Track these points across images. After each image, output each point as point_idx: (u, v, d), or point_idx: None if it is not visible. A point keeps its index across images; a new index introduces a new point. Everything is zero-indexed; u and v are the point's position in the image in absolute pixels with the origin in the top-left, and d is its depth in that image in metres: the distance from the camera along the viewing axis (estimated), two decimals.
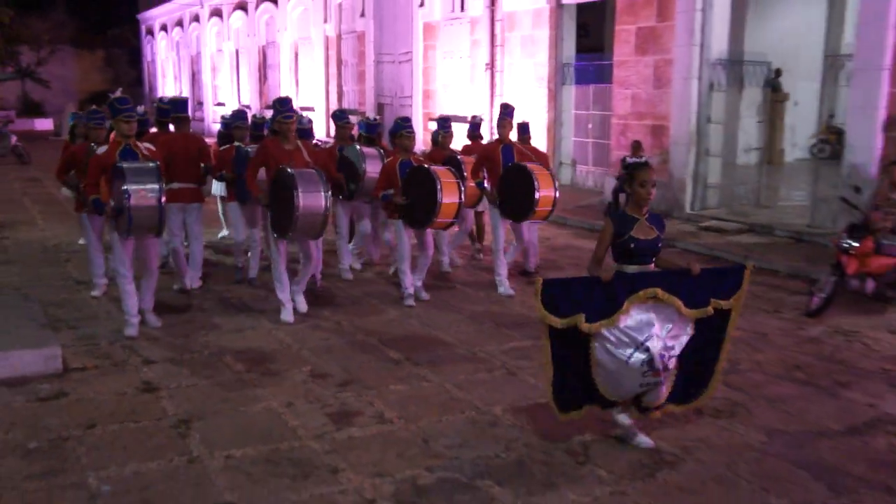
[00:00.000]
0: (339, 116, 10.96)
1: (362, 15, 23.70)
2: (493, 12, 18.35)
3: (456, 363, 7.21)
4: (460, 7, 19.96)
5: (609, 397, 5.35)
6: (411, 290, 9.01)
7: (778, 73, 17.81)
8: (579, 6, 17.11)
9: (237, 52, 33.18)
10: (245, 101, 31.15)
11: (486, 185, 9.67)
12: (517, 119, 10.26)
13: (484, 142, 11.66)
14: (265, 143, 8.52)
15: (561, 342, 5.20)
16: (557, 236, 13.19)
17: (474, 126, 11.71)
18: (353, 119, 11.87)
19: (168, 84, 41.82)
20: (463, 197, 8.67)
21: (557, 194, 9.29)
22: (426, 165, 8.75)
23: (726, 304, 5.30)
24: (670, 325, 5.20)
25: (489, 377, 6.90)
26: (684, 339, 5.27)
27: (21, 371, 6.65)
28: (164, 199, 7.34)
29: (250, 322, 8.39)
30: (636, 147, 14.39)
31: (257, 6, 30.48)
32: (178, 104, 9.79)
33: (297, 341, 7.77)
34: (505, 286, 9.52)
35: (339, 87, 25.65)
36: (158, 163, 7.55)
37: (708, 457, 5.46)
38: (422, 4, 20.90)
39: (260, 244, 10.02)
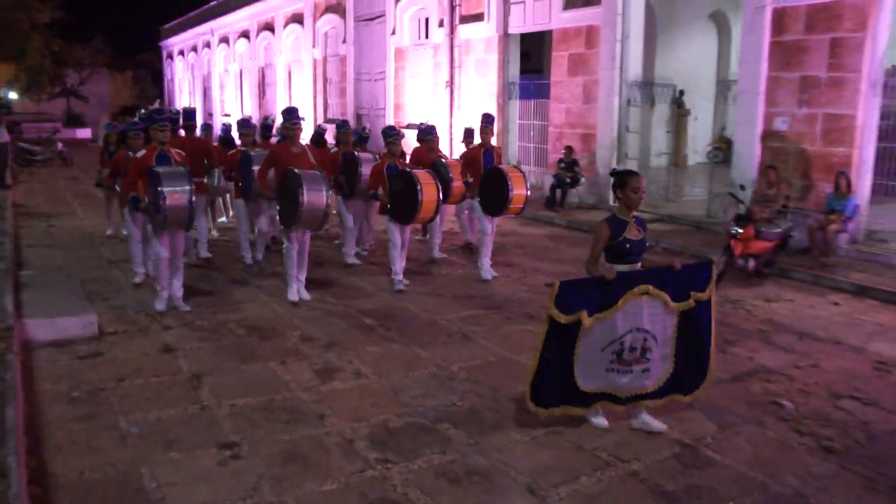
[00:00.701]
0: (342, 125, 10.62)
1: (344, 41, 23.50)
2: (452, 40, 18.26)
3: (420, 329, 7.21)
4: (425, 35, 19.84)
5: (580, 387, 4.87)
6: (401, 276, 8.57)
7: (682, 93, 17.91)
8: (523, 36, 17.07)
9: (241, 72, 32.76)
10: (247, 113, 30.77)
11: (469, 182, 9.35)
12: (469, 123, 10.15)
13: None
14: (275, 147, 8.33)
15: (556, 335, 4.79)
16: (504, 223, 13.19)
17: (468, 134, 10.97)
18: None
19: (184, 98, 41.22)
20: (440, 195, 8.23)
21: (528, 193, 8.96)
22: (408, 169, 8.37)
23: (703, 295, 4.92)
24: (656, 317, 4.82)
25: (448, 340, 6.90)
26: (669, 331, 4.88)
27: (65, 334, 6.63)
28: (193, 198, 7.13)
29: (250, 296, 8.32)
30: (569, 151, 14.46)
31: (258, 34, 30.14)
32: (188, 114, 9.98)
33: (288, 311, 7.71)
34: (485, 270, 9.12)
35: (325, 100, 25.42)
36: (187, 167, 7.41)
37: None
38: (393, 33, 20.75)
39: (267, 232, 9.69)
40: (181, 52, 42.07)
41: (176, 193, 6.98)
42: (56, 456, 4.54)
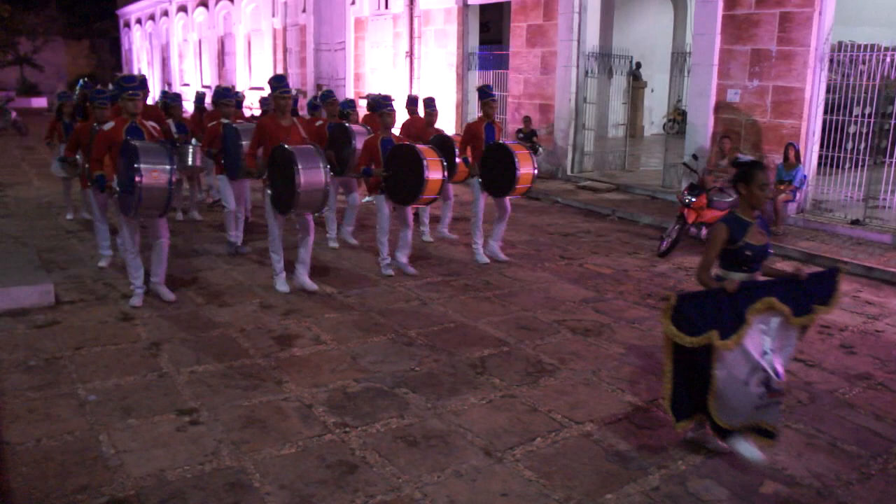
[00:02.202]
0: (327, 95, 9.67)
1: (304, 11, 23.06)
2: (411, 10, 18.02)
3: (378, 296, 7.18)
4: (385, 5, 19.55)
5: (720, 423, 4.05)
6: (388, 260, 7.84)
7: (638, 65, 18.03)
8: (482, 6, 16.93)
9: (200, 41, 32.02)
10: (206, 83, 30.15)
11: (469, 160, 8.48)
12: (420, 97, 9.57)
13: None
14: (262, 120, 7.25)
15: (683, 362, 4.06)
16: (462, 192, 13.18)
17: (412, 101, 10.56)
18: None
19: (143, 68, 40.21)
20: (446, 173, 7.42)
21: (536, 171, 8.09)
22: (411, 143, 7.56)
23: (826, 309, 4.10)
24: (779, 337, 4.00)
25: (406, 307, 6.89)
26: (789, 350, 4.08)
27: (21, 303, 6.48)
28: (174, 178, 6.19)
29: (209, 263, 8.19)
30: (527, 121, 14.45)
31: (217, 3, 29.40)
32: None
33: (248, 279, 7.62)
34: (480, 254, 8.45)
35: (285, 70, 24.93)
36: (168, 142, 6.62)
37: (579, 366, 5.58)
38: (353, 2, 20.40)
39: (243, 216, 8.87)
40: (139, 21, 40.94)
41: (154, 171, 6.04)
42: (13, 424, 4.44)
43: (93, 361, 5.41)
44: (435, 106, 9.39)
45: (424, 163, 7.15)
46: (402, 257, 7.94)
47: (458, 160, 8.51)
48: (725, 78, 11.17)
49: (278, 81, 7.02)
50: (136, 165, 5.99)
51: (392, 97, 7.89)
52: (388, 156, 7.47)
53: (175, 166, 6.20)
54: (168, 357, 5.52)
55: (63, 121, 9.89)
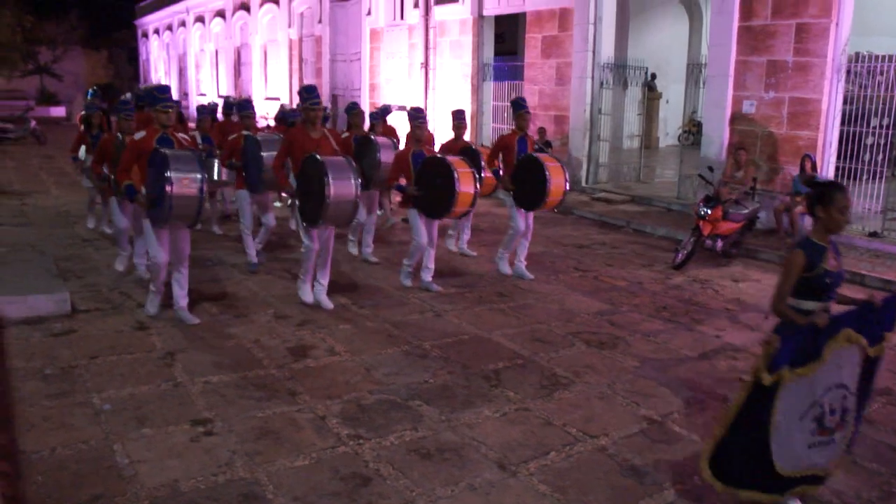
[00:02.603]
0: (352, 107, 9.46)
1: (320, 21, 23.21)
2: (427, 21, 18.10)
3: (392, 307, 7.17)
4: (400, 16, 19.65)
5: (779, 470, 3.65)
6: (410, 270, 7.75)
7: (653, 76, 17.99)
8: (497, 17, 16.98)
9: (216, 51, 32.31)
10: (223, 93, 30.37)
11: (500, 172, 8.35)
12: (450, 109, 9.38)
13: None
14: (291, 131, 7.01)
15: (754, 400, 3.68)
16: (480, 205, 13.17)
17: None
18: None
19: (160, 78, 40.61)
20: (479, 186, 7.32)
21: (567, 185, 7.93)
22: (441, 156, 7.38)
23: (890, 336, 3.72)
24: (854, 367, 3.66)
25: (420, 318, 6.87)
26: (855, 382, 3.70)
27: (37, 312, 6.49)
28: (205, 188, 6.02)
29: (224, 274, 8.22)
30: (542, 132, 14.43)
31: (233, 13, 29.68)
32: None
33: (263, 289, 7.63)
34: (504, 264, 8.34)
35: (301, 81, 25.10)
36: (199, 152, 6.44)
37: (594, 379, 5.54)
38: (369, 13, 20.52)
39: (272, 229, 8.69)
40: (156, 31, 41.40)
41: (184, 180, 5.86)
42: (28, 433, 4.45)
43: (108, 370, 5.43)
44: (464, 118, 9.16)
45: (455, 175, 7.03)
46: (427, 275, 7.73)
47: (485, 174, 8.35)
48: (741, 89, 11.12)
49: (309, 92, 6.84)
50: (166, 174, 5.83)
51: (424, 109, 7.83)
52: (420, 169, 7.33)
53: (206, 175, 6.08)
54: (182, 367, 5.53)
55: (91, 133, 9.58)
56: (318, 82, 23.64)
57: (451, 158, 7.28)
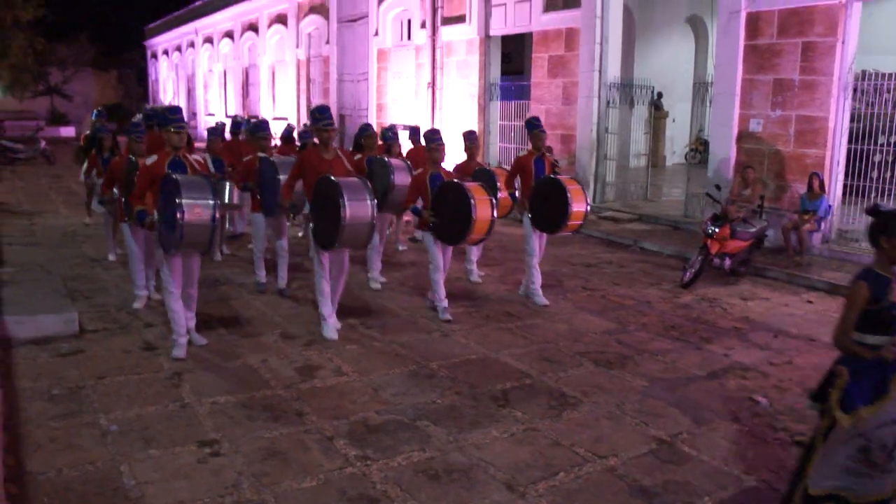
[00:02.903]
0: (365, 129, 9.27)
1: (327, 42, 23.39)
2: (434, 41, 18.22)
3: (400, 327, 7.16)
4: (408, 37, 19.79)
5: (810, 490, 3.56)
6: (445, 303, 7.44)
7: (660, 95, 18.01)
8: (504, 38, 17.07)
9: (225, 72, 32.59)
10: (231, 113, 30.59)
11: (516, 194, 8.24)
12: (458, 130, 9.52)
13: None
14: (304, 153, 6.90)
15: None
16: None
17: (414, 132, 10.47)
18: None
19: (168, 98, 40.96)
20: (496, 213, 7.17)
21: (588, 208, 7.85)
22: (458, 181, 7.22)
23: None
24: None
25: (428, 338, 6.86)
26: None
27: (45, 332, 6.50)
28: (218, 215, 5.88)
29: (233, 293, 8.23)
30: (548, 151, 14.41)
31: (242, 34, 29.96)
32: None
33: (270, 309, 7.64)
34: (539, 296, 8.04)
35: (308, 101, 25.29)
36: (210, 176, 6.30)
37: (602, 399, 5.52)
38: (376, 34, 20.67)
39: (287, 254, 8.36)
40: (165, 52, 41.83)
41: (197, 207, 5.71)
42: (34, 453, 4.46)
43: (115, 391, 5.43)
44: (476, 139, 8.87)
45: (473, 202, 6.85)
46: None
47: (501, 195, 8.12)
48: (748, 107, 11.14)
49: (321, 113, 6.67)
50: (177, 200, 5.65)
51: (439, 131, 7.68)
52: (437, 193, 7.20)
53: (218, 201, 5.91)
54: (190, 387, 5.53)
55: (102, 156, 9.33)
56: (326, 102, 23.78)
57: (469, 185, 7.11)
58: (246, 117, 22.63)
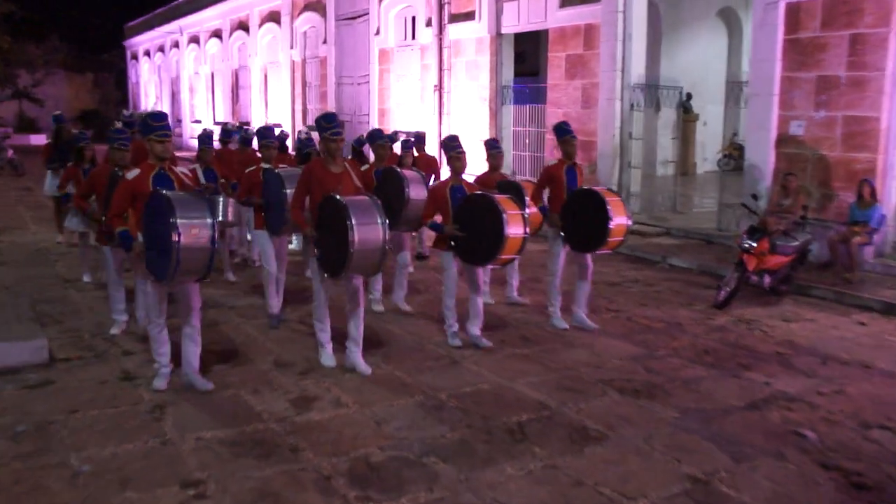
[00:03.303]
0: (377, 136, 9.05)
1: (325, 42, 23.54)
2: (440, 40, 18.31)
3: (405, 354, 7.13)
4: (412, 35, 19.90)
5: None
6: (456, 328, 7.37)
7: (689, 96, 18.04)
8: (517, 35, 17.15)
9: (212, 74, 32.84)
10: (219, 119, 30.77)
11: (547, 208, 8.06)
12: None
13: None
14: (309, 166, 6.64)
15: None
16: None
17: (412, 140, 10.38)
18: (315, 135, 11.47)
19: (150, 103, 41.26)
20: (528, 229, 7.00)
21: (630, 223, 7.65)
22: (486, 193, 7.05)
23: None
24: None
25: (435, 365, 6.83)
26: None
27: (11, 361, 6.48)
28: (217, 236, 5.68)
29: (221, 317, 8.22)
30: None
31: (231, 34, 30.20)
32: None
33: (262, 334, 7.63)
34: (557, 317, 8.03)
35: (304, 105, 25.46)
36: (203, 189, 6.21)
37: (629, 432, 5.46)
38: (377, 33, 20.81)
39: (283, 277, 8.18)
40: (147, 53, 42.14)
41: (193, 228, 5.47)
42: None
43: (88, 426, 5.40)
44: (500, 147, 8.56)
45: (504, 217, 6.64)
46: (474, 328, 7.40)
47: (530, 209, 7.90)
48: (788, 108, 11.11)
49: (328, 121, 6.48)
50: (171, 220, 5.42)
51: (458, 137, 7.56)
52: (460, 207, 7.02)
53: (216, 220, 5.73)
54: (172, 422, 5.50)
55: (82, 167, 9.05)
56: (324, 107, 23.90)
57: (498, 197, 6.90)
58: (237, 124, 22.78)
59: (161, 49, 39.20)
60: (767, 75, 11.26)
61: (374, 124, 20.81)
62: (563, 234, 7.80)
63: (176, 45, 36.69)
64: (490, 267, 7.87)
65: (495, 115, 17.14)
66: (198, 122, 33.29)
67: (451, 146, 7.24)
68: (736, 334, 7.92)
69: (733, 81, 13.62)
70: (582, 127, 14.89)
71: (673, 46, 18.70)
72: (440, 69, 18.44)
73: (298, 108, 25.66)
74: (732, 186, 13.00)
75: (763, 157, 11.42)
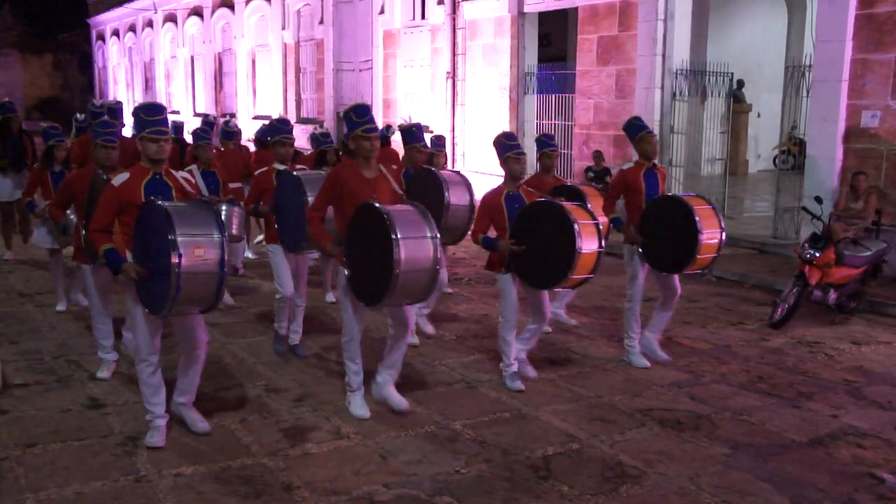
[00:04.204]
0: (412, 135, 8.67)
1: (321, 22, 23.65)
2: (454, 20, 18.38)
3: (414, 377, 7.15)
4: (421, 15, 19.97)
5: None
6: (515, 367, 6.97)
7: (740, 83, 18.03)
8: (541, 15, 17.20)
9: (192, 59, 32.99)
10: (200, 110, 30.94)
11: (621, 220, 7.68)
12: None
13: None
14: (336, 170, 6.30)
15: None
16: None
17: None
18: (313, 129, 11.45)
19: (120, 91, 41.43)
20: (603, 243, 6.68)
21: (724, 236, 7.30)
22: (552, 200, 6.72)
23: None
24: None
25: (448, 391, 6.86)
26: None
27: None
28: (226, 256, 5.27)
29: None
30: (598, 157, 14.48)
31: (213, 12, 30.32)
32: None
33: (251, 355, 7.68)
34: (636, 354, 7.63)
35: (298, 95, 25.57)
36: (210, 200, 5.77)
37: (671, 470, 5.46)
38: (382, 12, 20.90)
39: (304, 303, 7.89)
40: (116, 33, 42.21)
41: (198, 248, 5.10)
42: None
43: (49, 462, 5.42)
44: (554, 144, 8.14)
45: (576, 228, 6.29)
46: (521, 352, 7.17)
47: (600, 220, 7.24)
48: (859, 97, 11.10)
49: (360, 114, 6.03)
50: (170, 238, 5.00)
51: (513, 135, 7.22)
52: (518, 218, 6.67)
53: (226, 236, 5.32)
54: (147, 456, 5.53)
55: (52, 171, 8.80)
56: (320, 96, 24.03)
57: (567, 205, 6.55)
58: (226, 116, 22.88)
59: (132, 29, 39.31)
60: (835, 58, 11.24)
61: (378, 117, 20.89)
62: (640, 250, 7.45)
63: (150, 24, 36.82)
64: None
65: (516, 105, 17.19)
66: (176, 112, 33.44)
67: (509, 145, 6.80)
68: (795, 358, 7.91)
69: (794, 66, 13.51)
70: (615, 120, 14.92)
71: (722, 26, 18.67)
72: (453, 54, 18.51)
73: (291, 97, 25.78)
74: (791, 187, 12.98)
75: (828, 154, 11.40)
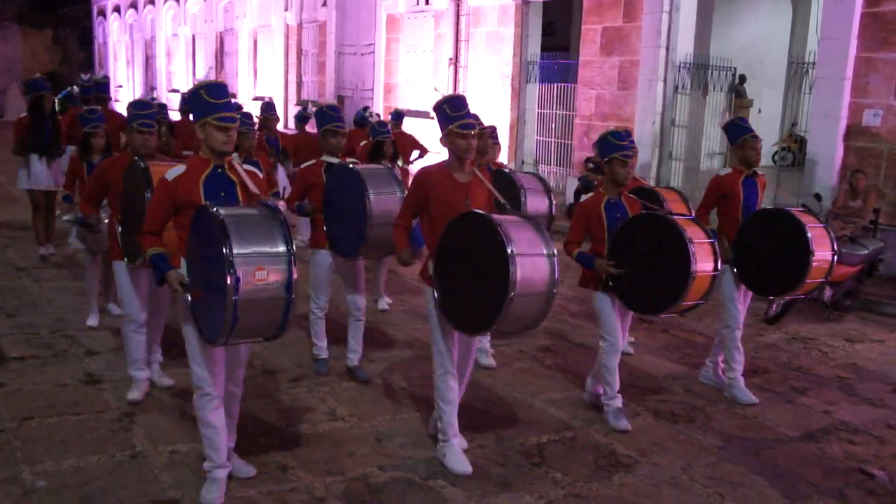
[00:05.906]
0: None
1: (324, 4, 23.58)
2: (458, 7, 18.33)
3: (409, 362, 7.18)
4: (425, 0, 19.93)
5: None
6: (620, 401, 6.06)
7: (742, 78, 18.00)
8: (546, 4, 17.17)
9: (193, 37, 32.89)
10: None
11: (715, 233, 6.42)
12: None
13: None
14: (424, 172, 5.30)
15: None
16: None
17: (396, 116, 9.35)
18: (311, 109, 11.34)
19: (120, 68, 41.28)
20: (719, 264, 5.82)
21: (835, 258, 6.44)
22: (660, 212, 5.97)
23: None
24: None
25: None
26: None
27: None
28: (295, 275, 4.29)
29: None
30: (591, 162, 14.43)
31: None
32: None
33: None
34: (742, 387, 6.69)
35: (299, 77, 25.48)
36: (278, 204, 4.72)
37: (664, 460, 5.50)
38: None
39: (364, 317, 6.93)
40: (117, 10, 42.02)
41: (260, 269, 4.19)
42: None
43: (45, 437, 5.44)
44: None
45: (691, 249, 5.51)
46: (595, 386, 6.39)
47: None
48: (862, 94, 11.10)
49: (456, 108, 5.13)
50: (226, 253, 4.11)
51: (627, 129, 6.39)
52: (622, 230, 5.86)
53: (294, 252, 4.35)
54: (144, 432, 5.56)
55: (90, 161, 7.65)
56: (321, 80, 23.94)
57: (680, 220, 5.74)
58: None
59: (133, 5, 39.14)
60: (839, 55, 11.22)
61: (379, 101, 20.87)
62: (735, 269, 6.65)
63: (151, 1, 36.73)
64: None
65: (518, 94, 17.17)
66: (175, 91, 33.35)
67: (620, 146, 5.92)
68: (789, 354, 7.94)
69: (796, 62, 13.49)
70: (617, 111, 14.92)
71: (726, 20, 18.65)
72: (456, 40, 18.45)
73: (292, 79, 25.69)
74: (790, 184, 12.98)
75: (829, 151, 11.41)
